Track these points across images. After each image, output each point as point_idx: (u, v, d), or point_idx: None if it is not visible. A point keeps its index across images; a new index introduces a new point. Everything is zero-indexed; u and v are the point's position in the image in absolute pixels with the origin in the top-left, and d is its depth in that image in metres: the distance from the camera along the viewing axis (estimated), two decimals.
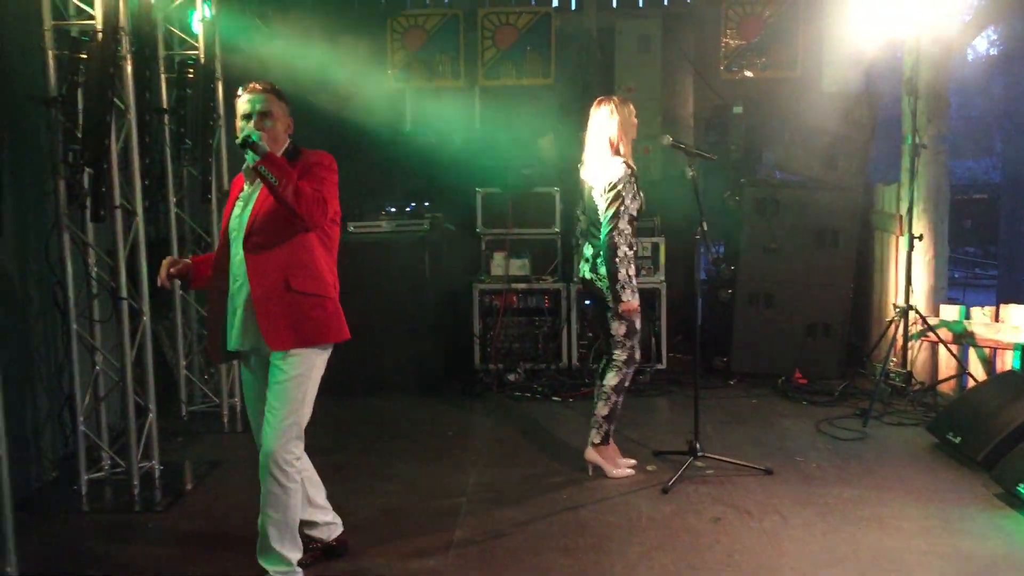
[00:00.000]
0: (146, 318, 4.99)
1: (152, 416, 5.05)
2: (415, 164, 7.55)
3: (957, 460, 5.06)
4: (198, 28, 5.88)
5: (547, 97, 8.04)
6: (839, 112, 6.96)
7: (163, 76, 5.71)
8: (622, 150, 4.76)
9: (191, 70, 5.83)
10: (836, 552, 3.97)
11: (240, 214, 3.62)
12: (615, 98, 4.81)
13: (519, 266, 6.83)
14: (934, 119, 6.26)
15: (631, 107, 4.78)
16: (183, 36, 5.91)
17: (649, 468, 5.01)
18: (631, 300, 4.69)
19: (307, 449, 5.54)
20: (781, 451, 5.31)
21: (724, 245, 7.45)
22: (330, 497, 4.41)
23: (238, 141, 3.48)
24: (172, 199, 5.90)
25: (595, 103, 4.84)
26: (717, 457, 5.00)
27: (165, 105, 5.73)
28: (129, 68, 4.76)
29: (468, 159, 7.25)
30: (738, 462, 4.97)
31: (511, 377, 6.69)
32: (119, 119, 4.73)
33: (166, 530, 4.39)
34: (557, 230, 6.89)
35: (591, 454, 4.91)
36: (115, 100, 4.60)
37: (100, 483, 4.93)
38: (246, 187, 3.68)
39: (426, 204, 7.24)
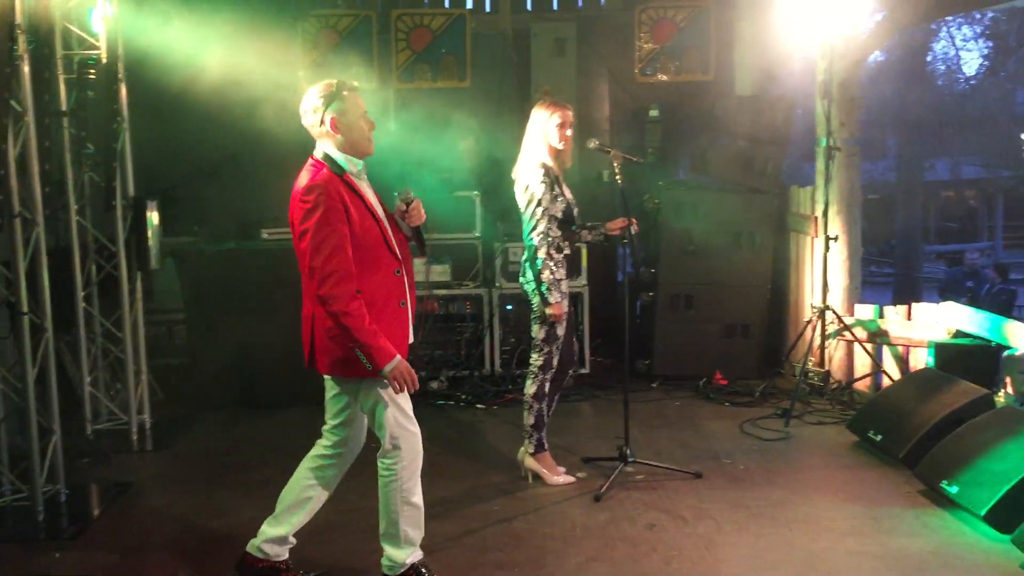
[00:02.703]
0: (48, 334, 4.70)
1: (56, 437, 4.74)
2: None
3: (878, 458, 5.15)
4: (99, 27, 5.58)
5: (464, 100, 7.93)
6: (753, 116, 7.05)
7: (62, 77, 5.41)
8: (541, 151, 4.70)
9: (92, 71, 5.52)
10: (770, 555, 3.98)
11: (382, 218, 3.57)
12: (546, 101, 4.76)
13: (440, 272, 6.70)
14: (847, 122, 6.39)
15: (559, 111, 4.70)
16: (83, 35, 5.60)
17: (580, 475, 4.95)
18: (559, 303, 4.64)
19: (228, 467, 5.36)
20: (708, 454, 5.32)
21: (643, 248, 7.45)
22: (255, 517, 4.23)
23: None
24: (73, 207, 5.59)
25: None
26: (647, 462, 4.98)
27: (65, 107, 5.42)
28: (26, 68, 4.48)
29: (385, 163, 7.04)
30: (668, 467, 4.97)
31: (434, 385, 6.56)
32: (16, 122, 4.44)
33: (74, 560, 4.13)
34: (478, 235, 6.79)
35: (531, 462, 4.85)
36: (12, 102, 4.32)
37: (1, 510, 4.61)
38: (365, 189, 3.56)
39: None
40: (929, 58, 20.41)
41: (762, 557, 3.97)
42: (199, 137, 7.08)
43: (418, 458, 3.59)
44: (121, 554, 4.16)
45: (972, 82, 22.34)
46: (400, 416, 3.52)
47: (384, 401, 3.48)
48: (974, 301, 12.45)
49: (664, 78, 8.14)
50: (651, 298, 6.94)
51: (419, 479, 3.62)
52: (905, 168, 18.64)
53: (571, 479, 4.88)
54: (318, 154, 3.48)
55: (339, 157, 3.47)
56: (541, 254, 4.61)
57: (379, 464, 3.59)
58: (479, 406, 6.35)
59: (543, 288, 4.62)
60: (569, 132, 4.71)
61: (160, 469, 5.35)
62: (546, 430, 4.88)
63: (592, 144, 4.87)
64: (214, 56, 6.53)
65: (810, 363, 6.35)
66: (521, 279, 4.82)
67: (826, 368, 6.42)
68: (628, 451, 4.91)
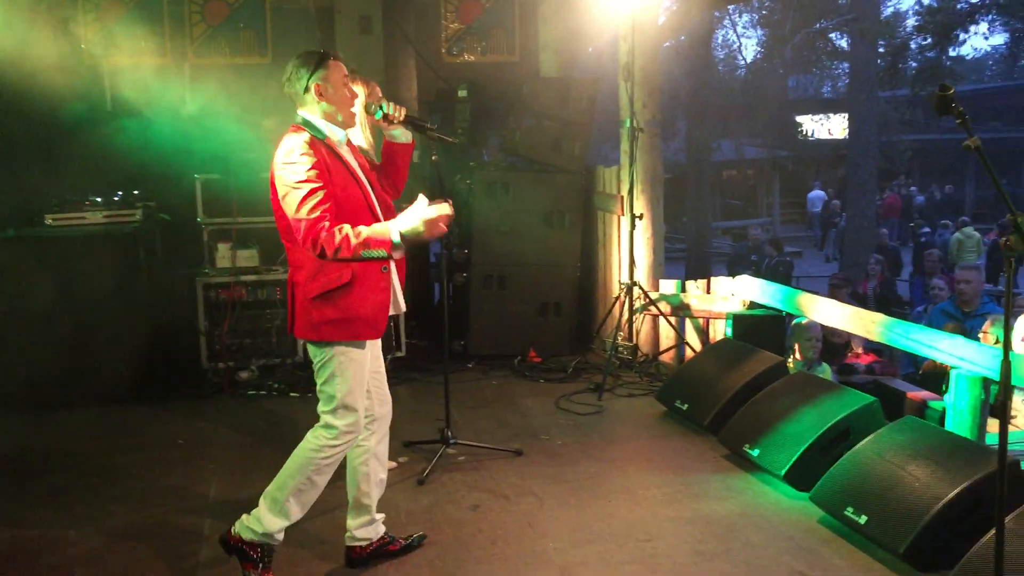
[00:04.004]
0: None
1: None
2: (120, 148, 6.85)
3: (686, 426, 5.40)
4: None
5: (265, 77, 7.61)
6: (558, 97, 7.17)
7: None
8: (357, 131, 4.57)
9: None
10: (592, 528, 4.08)
11: (365, 184, 3.48)
12: (356, 79, 4.60)
13: (247, 257, 6.41)
14: (649, 104, 6.62)
15: (373, 88, 4.59)
16: None
17: (401, 460, 4.90)
18: None
19: (15, 474, 4.93)
20: (527, 431, 5.40)
21: (456, 229, 7.45)
22: (52, 527, 3.91)
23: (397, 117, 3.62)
24: None
25: None
26: (468, 443, 4.99)
27: None
28: None
29: (182, 142, 6.67)
30: (489, 446, 5.00)
31: (243, 375, 6.30)
32: None
33: None
34: None
35: None
36: None
37: None
38: (347, 156, 3.47)
39: (135, 192, 6.61)
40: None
41: (584, 530, 4.06)
42: None
43: (348, 445, 3.51)
44: None
45: (748, 68, 23.86)
46: (350, 397, 3.43)
47: (340, 375, 3.40)
48: (757, 273, 13.31)
49: (471, 58, 8.15)
50: (464, 279, 6.96)
51: (335, 468, 3.53)
52: (694, 149, 19.63)
53: (393, 464, 4.80)
54: (297, 120, 3.44)
55: (321, 124, 3.41)
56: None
57: (310, 432, 3.49)
58: (293, 394, 6.15)
59: None
60: None
61: None
62: None
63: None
64: None
65: (619, 338, 6.57)
66: None
67: (634, 342, 6.66)
68: (449, 433, 4.91)
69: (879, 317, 5.25)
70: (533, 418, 5.64)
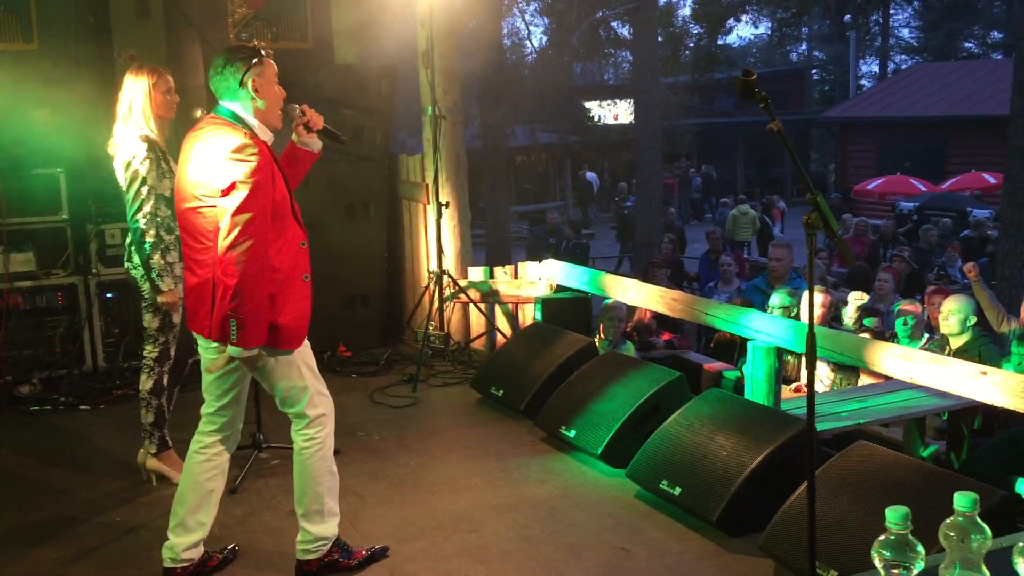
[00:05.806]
0: None
1: None
2: None
3: (502, 412, 5.44)
4: None
5: (32, 65, 6.98)
6: (356, 85, 7.01)
7: None
8: (144, 122, 4.29)
9: None
10: (417, 522, 4.03)
11: (289, 193, 3.36)
12: (143, 66, 4.33)
13: (22, 261, 5.86)
14: (450, 91, 6.58)
15: (163, 76, 4.33)
16: None
17: None
18: (172, 290, 4.28)
19: None
20: (342, 428, 5.12)
21: None
22: None
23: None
24: None
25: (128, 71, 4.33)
26: (282, 446, 4.78)
27: None
28: None
29: None
30: None
31: (24, 389, 5.77)
32: None
33: None
34: (65, 216, 6.04)
35: (153, 463, 4.43)
36: None
37: None
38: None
39: None
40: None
41: (409, 525, 4.00)
42: None
43: (332, 421, 3.50)
44: None
45: (536, 55, 24.41)
46: (316, 382, 3.45)
47: (299, 368, 3.37)
48: (556, 256, 13.68)
49: (261, 45, 7.79)
50: None
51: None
52: (490, 135, 19.83)
53: None
54: (225, 114, 3.27)
55: (253, 122, 3.29)
56: (149, 237, 4.21)
57: (298, 437, 3.42)
58: (83, 407, 5.69)
59: (153, 274, 4.24)
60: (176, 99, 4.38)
61: None
62: (168, 426, 4.51)
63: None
64: None
65: (430, 327, 6.52)
66: (127, 264, 4.38)
67: (446, 331, 6.64)
68: (260, 437, 4.70)
69: (679, 294, 5.49)
70: (348, 414, 5.49)
